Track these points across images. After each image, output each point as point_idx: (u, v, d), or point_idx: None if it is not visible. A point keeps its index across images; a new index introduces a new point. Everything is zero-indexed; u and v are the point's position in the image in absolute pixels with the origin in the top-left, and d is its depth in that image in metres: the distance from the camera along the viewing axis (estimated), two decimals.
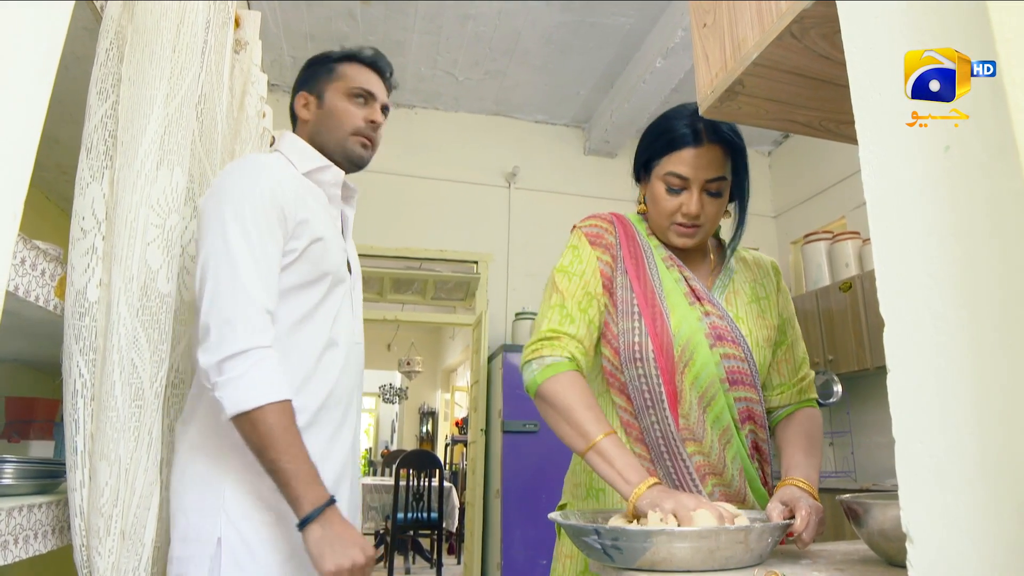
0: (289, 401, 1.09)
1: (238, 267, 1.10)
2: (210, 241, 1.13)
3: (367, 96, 1.36)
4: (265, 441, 1.05)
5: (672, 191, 1.20)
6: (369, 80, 1.37)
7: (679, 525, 0.90)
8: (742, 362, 1.19)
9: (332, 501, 1.08)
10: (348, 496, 1.29)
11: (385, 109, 1.40)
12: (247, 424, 1.06)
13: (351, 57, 1.38)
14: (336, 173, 1.35)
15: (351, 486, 1.31)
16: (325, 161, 1.33)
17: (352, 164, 1.37)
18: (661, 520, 0.91)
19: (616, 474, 1.02)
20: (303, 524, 1.05)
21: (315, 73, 1.39)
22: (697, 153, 1.18)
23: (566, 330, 1.16)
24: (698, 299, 1.21)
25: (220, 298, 1.09)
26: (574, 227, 1.30)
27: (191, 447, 1.16)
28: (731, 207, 1.29)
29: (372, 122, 1.35)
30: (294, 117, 1.40)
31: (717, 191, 1.20)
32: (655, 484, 0.98)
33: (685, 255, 1.28)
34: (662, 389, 1.15)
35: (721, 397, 1.17)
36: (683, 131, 1.19)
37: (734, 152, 1.21)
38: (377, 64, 1.39)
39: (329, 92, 1.35)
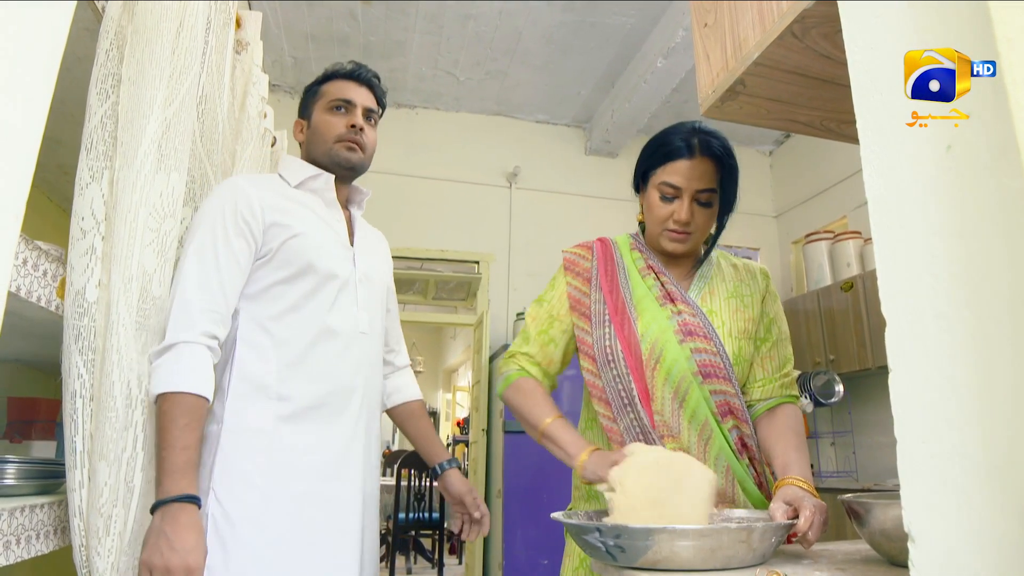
0: (192, 395, 1.13)
1: (183, 275, 1.21)
2: (180, 256, 1.25)
3: (345, 105, 1.45)
4: (157, 426, 1.12)
5: (665, 199, 1.29)
6: (345, 90, 1.46)
7: (622, 483, 1.01)
8: (713, 355, 1.24)
9: (186, 499, 1.09)
10: (354, 491, 1.30)
11: (370, 113, 1.48)
12: (156, 408, 1.13)
13: (332, 75, 1.49)
14: (327, 178, 1.43)
15: (364, 478, 1.33)
16: (314, 170, 1.43)
17: (344, 169, 1.45)
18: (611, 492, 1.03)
19: (564, 453, 1.21)
20: (152, 509, 1.09)
21: (305, 100, 1.51)
22: (690, 165, 1.26)
23: (521, 350, 1.37)
24: (671, 300, 1.29)
25: (170, 303, 1.19)
26: (563, 252, 1.44)
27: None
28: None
29: (352, 126, 1.44)
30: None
31: (707, 201, 1.29)
32: (592, 451, 1.15)
33: (671, 260, 1.36)
34: (633, 387, 1.23)
35: (696, 390, 1.22)
36: (678, 144, 1.28)
37: (724, 169, 1.29)
38: (354, 74, 1.48)
39: (314, 112, 1.47)
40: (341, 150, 1.43)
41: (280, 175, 1.44)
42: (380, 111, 1.51)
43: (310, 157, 1.46)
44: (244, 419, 1.22)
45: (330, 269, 1.33)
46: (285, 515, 1.20)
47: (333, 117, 1.44)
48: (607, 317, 1.29)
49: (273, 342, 1.26)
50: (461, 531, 1.55)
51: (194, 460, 1.13)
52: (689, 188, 1.26)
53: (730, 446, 1.22)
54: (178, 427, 1.11)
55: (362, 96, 1.47)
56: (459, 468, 1.58)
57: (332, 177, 1.43)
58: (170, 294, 1.20)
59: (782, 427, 1.26)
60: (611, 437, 1.24)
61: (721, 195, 1.30)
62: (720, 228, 1.36)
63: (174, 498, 1.07)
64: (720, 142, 1.28)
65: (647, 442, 1.20)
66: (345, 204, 1.49)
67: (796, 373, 1.35)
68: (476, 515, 1.52)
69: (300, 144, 1.50)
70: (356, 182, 1.52)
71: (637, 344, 1.25)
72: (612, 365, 1.25)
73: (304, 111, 1.51)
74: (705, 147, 1.27)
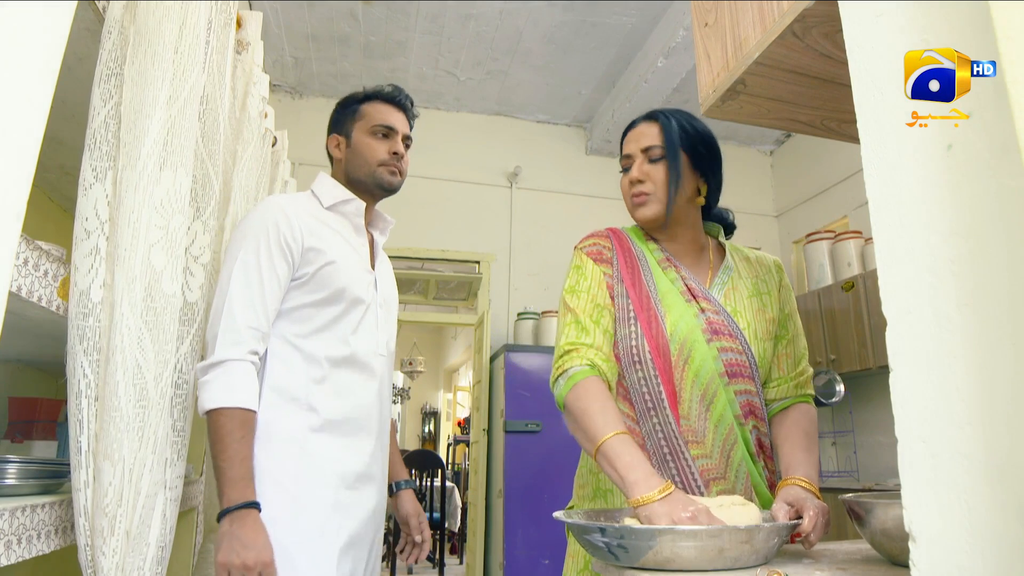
0: (245, 409, 1.23)
1: (231, 293, 1.29)
2: (223, 269, 1.34)
3: (388, 131, 1.51)
4: (213, 438, 1.21)
5: (625, 171, 1.33)
6: (388, 116, 1.52)
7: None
8: (740, 355, 1.22)
9: (250, 505, 1.19)
10: (375, 499, 1.40)
11: (407, 140, 1.55)
12: (208, 422, 1.23)
13: (372, 96, 1.55)
14: (358, 205, 1.49)
15: (378, 489, 1.43)
16: (348, 195, 1.49)
17: (384, 191, 1.53)
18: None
19: (618, 476, 1.01)
20: (219, 517, 1.18)
21: (342, 116, 1.56)
22: (632, 134, 1.34)
23: (583, 341, 1.20)
24: (694, 297, 1.25)
25: (214, 318, 1.29)
26: (575, 248, 1.37)
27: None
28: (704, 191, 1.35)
29: (395, 154, 1.51)
30: (330, 157, 1.58)
31: (656, 158, 1.29)
32: (668, 496, 0.95)
33: (683, 256, 1.33)
34: (661, 389, 1.18)
35: (722, 393, 1.19)
36: (628, 125, 1.37)
37: (668, 126, 1.29)
38: (396, 99, 1.55)
39: (355, 132, 1.52)
40: (384, 174, 1.50)
41: (313, 192, 1.50)
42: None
43: (349, 175, 1.52)
44: (276, 428, 1.29)
45: (358, 295, 1.40)
46: (315, 520, 1.28)
47: (376, 141, 1.50)
48: (632, 313, 1.23)
49: (302, 358, 1.34)
50: (403, 550, 1.61)
51: (251, 470, 1.22)
52: (635, 151, 1.31)
53: (749, 450, 1.21)
54: (235, 440, 1.20)
55: (401, 122, 1.54)
56: (414, 491, 1.65)
57: (363, 205, 1.50)
58: (215, 305, 1.29)
59: (791, 427, 1.26)
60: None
61: (693, 156, 1.28)
62: (711, 205, 1.35)
63: (239, 505, 1.17)
64: (665, 108, 1.33)
65: (670, 446, 1.17)
66: (367, 226, 1.56)
67: (811, 371, 1.34)
68: (417, 539, 1.59)
69: (336, 159, 1.55)
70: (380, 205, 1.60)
71: (666, 344, 1.20)
72: (639, 366, 1.20)
73: (340, 127, 1.55)
74: (647, 116, 1.33)
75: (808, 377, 1.33)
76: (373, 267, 1.51)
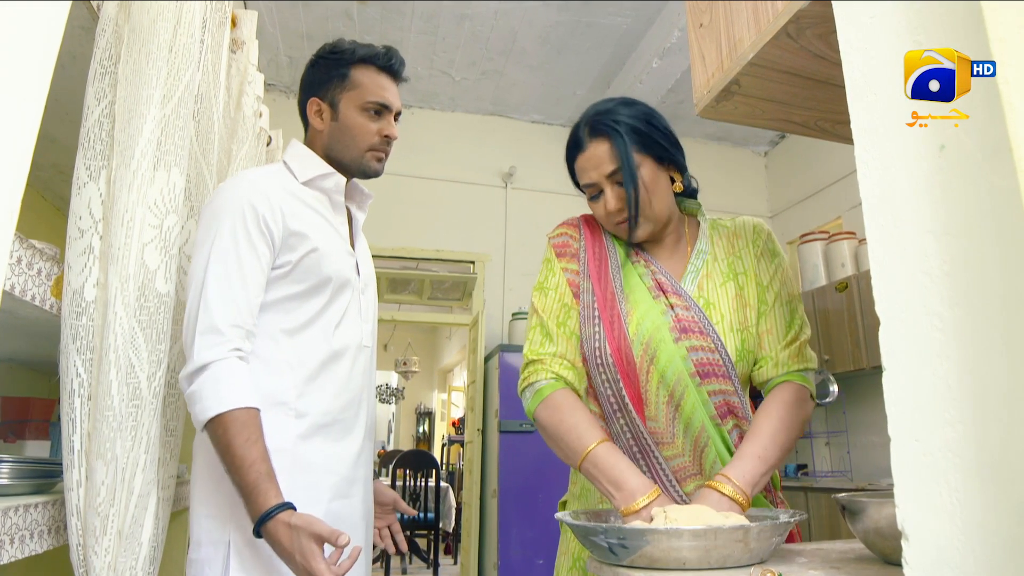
0: (243, 409, 1.09)
1: (206, 288, 1.14)
2: (194, 260, 1.19)
3: (382, 109, 1.33)
4: (219, 452, 1.09)
5: (594, 199, 1.22)
6: (383, 89, 1.34)
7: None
8: (712, 353, 1.14)
9: (274, 511, 1.05)
10: (364, 503, 1.31)
11: (398, 116, 1.38)
12: (208, 433, 1.10)
13: (364, 60, 1.33)
14: (338, 180, 1.33)
15: (365, 489, 1.32)
16: (327, 169, 1.32)
17: (365, 177, 1.38)
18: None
19: (609, 487, 1.04)
20: (256, 534, 1.06)
21: (327, 77, 1.34)
22: (587, 156, 1.19)
23: (546, 351, 1.18)
24: (663, 292, 1.18)
25: (191, 317, 1.14)
26: (547, 236, 1.30)
27: (203, 455, 1.18)
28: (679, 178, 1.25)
29: (386, 137, 1.34)
30: (305, 121, 1.38)
31: (623, 180, 1.17)
32: (646, 504, 0.99)
33: (659, 247, 1.25)
34: (624, 393, 1.13)
35: (692, 394, 1.13)
36: (571, 143, 1.22)
37: (619, 137, 1.16)
38: (391, 68, 1.36)
39: (343, 103, 1.33)
40: (371, 161, 1.34)
41: (286, 163, 1.33)
42: None
43: (330, 153, 1.34)
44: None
45: (343, 283, 1.28)
46: None
47: (368, 121, 1.32)
48: (596, 312, 1.17)
49: (288, 357, 1.21)
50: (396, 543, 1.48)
51: (267, 470, 1.08)
52: (600, 178, 1.18)
53: (729, 451, 1.14)
54: (239, 446, 1.07)
55: (395, 97, 1.35)
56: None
57: (344, 181, 1.34)
58: (190, 302, 1.15)
59: (759, 413, 1.13)
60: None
61: (655, 152, 1.18)
62: (689, 190, 1.26)
63: (266, 515, 1.05)
64: (605, 114, 1.18)
65: (639, 446, 1.14)
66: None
67: (806, 335, 1.20)
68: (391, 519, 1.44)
69: (316, 130, 1.35)
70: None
71: (628, 347, 1.14)
72: (602, 368, 1.15)
73: (323, 91, 1.34)
74: (593, 131, 1.18)
75: (798, 349, 1.18)
76: (353, 247, 1.36)
